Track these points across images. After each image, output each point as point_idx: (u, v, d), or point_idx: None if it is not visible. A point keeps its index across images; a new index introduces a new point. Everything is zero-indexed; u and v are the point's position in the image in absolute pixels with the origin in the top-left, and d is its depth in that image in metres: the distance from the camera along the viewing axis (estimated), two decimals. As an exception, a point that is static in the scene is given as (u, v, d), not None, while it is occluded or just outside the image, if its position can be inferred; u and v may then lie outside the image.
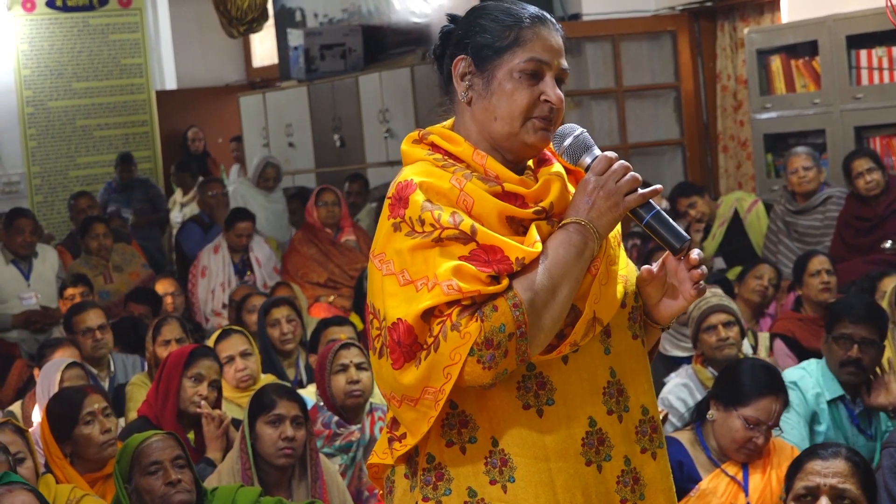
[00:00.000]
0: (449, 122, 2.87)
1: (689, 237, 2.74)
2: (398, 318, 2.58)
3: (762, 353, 6.71)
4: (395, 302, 2.60)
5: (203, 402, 5.52)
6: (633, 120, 10.57)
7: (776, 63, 9.32)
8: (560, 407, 2.69)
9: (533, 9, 2.79)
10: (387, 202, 2.71)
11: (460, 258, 2.60)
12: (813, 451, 4.35)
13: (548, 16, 2.80)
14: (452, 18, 2.88)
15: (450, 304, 2.57)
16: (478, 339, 2.55)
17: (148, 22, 14.23)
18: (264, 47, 15.82)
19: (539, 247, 2.64)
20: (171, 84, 15.90)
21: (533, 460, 2.67)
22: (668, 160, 10.73)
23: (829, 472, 4.20)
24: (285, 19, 13.62)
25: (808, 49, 9.15)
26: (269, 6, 10.97)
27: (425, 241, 2.62)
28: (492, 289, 2.58)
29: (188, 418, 5.57)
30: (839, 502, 4.18)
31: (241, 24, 10.70)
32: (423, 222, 2.63)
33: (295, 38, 12.60)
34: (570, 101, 10.33)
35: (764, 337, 6.99)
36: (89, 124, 13.43)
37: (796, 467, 4.30)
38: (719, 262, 8.73)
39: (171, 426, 5.41)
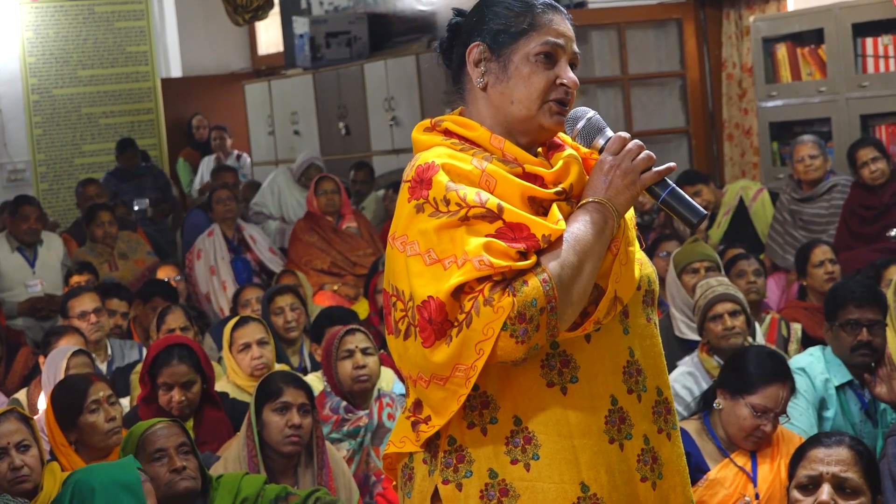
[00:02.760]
0: (457, 110, 2.89)
1: (705, 212, 2.78)
2: (429, 296, 2.60)
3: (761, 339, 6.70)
4: (423, 281, 2.62)
5: None
6: (639, 108, 10.57)
7: (782, 51, 9.31)
8: (583, 385, 2.72)
9: None
10: (405, 185, 2.73)
11: (487, 236, 2.63)
12: (816, 440, 4.35)
13: (558, 3, 2.85)
14: (459, 12, 2.91)
15: (480, 280, 2.59)
16: (511, 314, 2.57)
17: (153, 9, 14.21)
18: (269, 35, 15.79)
19: (563, 225, 2.68)
20: (176, 72, 15.89)
21: (557, 437, 2.69)
22: (673, 148, 10.73)
23: (832, 459, 4.20)
24: (290, 7, 13.61)
25: (814, 37, 9.14)
26: (275, -6, 10.96)
27: (451, 220, 2.64)
28: (522, 264, 2.61)
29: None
30: (841, 491, 4.18)
31: (247, 12, 10.70)
32: (448, 202, 2.66)
33: (300, 25, 12.59)
34: (576, 89, 10.32)
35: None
36: (94, 112, 13.42)
37: (799, 455, 4.30)
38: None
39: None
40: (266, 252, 9.72)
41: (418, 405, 2.76)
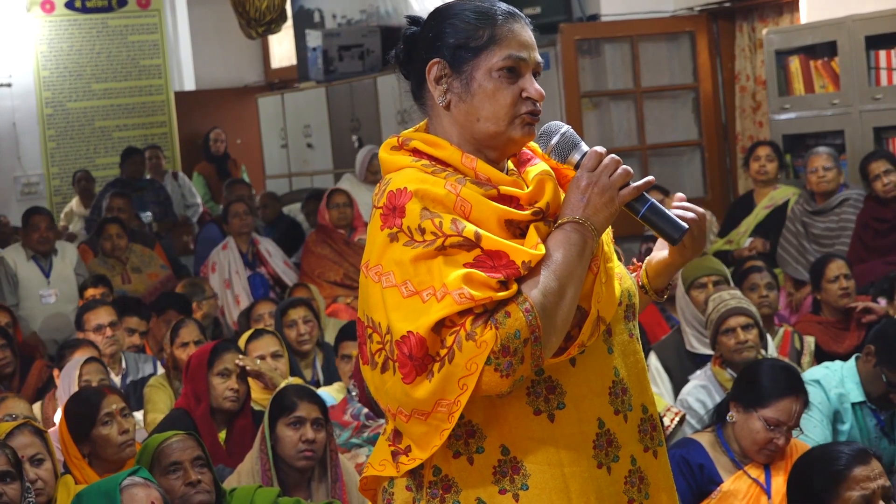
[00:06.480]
0: (421, 125, 2.81)
1: (686, 226, 2.71)
2: (408, 332, 2.50)
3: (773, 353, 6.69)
4: (401, 315, 2.53)
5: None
6: (652, 121, 10.56)
7: (795, 64, 9.30)
8: (571, 410, 2.65)
9: (503, 5, 2.75)
10: (376, 212, 2.64)
11: (466, 265, 2.54)
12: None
13: (517, 10, 2.77)
14: (414, 21, 2.81)
15: (461, 313, 2.50)
16: (494, 348, 2.49)
17: (167, 23, 14.27)
18: (283, 48, 15.84)
19: (542, 249, 2.59)
20: (189, 85, 15.93)
21: (547, 466, 2.63)
22: (686, 161, 10.71)
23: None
24: (304, 20, 13.64)
25: (827, 49, 9.13)
26: (288, 7, 10.98)
27: (427, 250, 2.55)
28: (502, 294, 2.53)
29: (222, 415, 5.62)
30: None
31: (260, 25, 10.70)
32: (423, 231, 2.57)
33: (313, 39, 12.62)
34: (589, 101, 10.33)
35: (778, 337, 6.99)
36: (108, 125, 13.47)
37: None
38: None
39: (205, 425, 5.47)
40: (281, 265, 9.73)
41: (398, 434, 2.69)
